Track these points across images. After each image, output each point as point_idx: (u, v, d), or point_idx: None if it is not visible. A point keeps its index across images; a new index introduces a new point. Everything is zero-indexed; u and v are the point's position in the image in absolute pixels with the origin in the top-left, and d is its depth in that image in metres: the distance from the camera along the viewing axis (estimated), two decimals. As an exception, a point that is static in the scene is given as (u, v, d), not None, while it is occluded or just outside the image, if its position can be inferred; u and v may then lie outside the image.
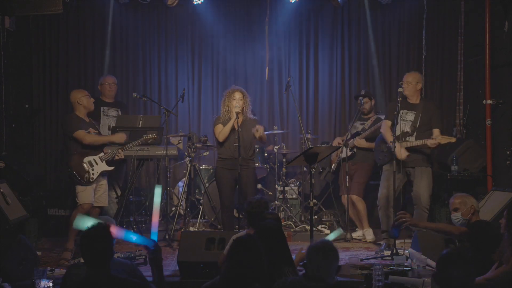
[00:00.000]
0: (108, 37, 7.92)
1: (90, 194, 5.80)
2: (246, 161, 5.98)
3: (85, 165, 5.77)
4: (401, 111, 5.98)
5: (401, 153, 5.79)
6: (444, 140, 5.78)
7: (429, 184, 5.97)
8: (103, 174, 5.91)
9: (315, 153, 5.29)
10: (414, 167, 5.96)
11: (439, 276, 2.99)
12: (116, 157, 5.96)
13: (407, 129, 5.98)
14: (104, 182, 6.00)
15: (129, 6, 7.85)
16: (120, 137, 6.02)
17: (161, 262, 3.34)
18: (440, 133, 5.95)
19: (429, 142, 5.80)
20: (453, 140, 5.89)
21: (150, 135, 6.13)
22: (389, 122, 6.14)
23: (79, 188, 5.77)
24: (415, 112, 5.99)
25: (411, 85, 6.03)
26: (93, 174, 5.80)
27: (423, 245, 4.97)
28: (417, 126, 5.95)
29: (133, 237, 3.42)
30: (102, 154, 5.89)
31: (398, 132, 5.95)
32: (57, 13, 6.34)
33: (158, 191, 3.53)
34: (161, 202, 6.39)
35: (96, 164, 5.84)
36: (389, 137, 6.02)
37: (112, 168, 5.95)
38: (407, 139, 5.93)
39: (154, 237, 3.54)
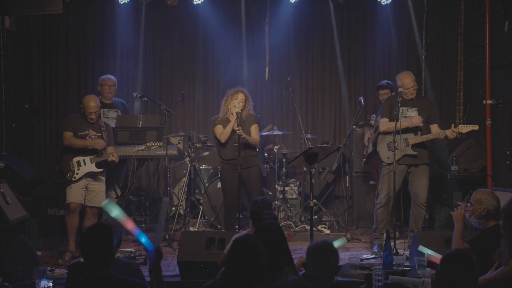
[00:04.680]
0: (108, 37, 7.92)
1: (76, 193, 5.78)
2: (248, 160, 5.92)
3: (72, 164, 5.76)
4: (400, 108, 5.92)
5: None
6: (466, 129, 5.73)
7: (428, 182, 5.97)
8: (91, 175, 5.84)
9: (315, 153, 5.29)
10: (417, 165, 5.92)
11: (442, 276, 2.99)
12: (109, 159, 5.87)
13: None
14: (97, 184, 5.90)
15: (129, 6, 7.84)
16: (99, 143, 5.82)
17: (160, 272, 3.31)
18: (439, 127, 5.94)
19: (448, 133, 5.74)
20: (476, 127, 5.85)
21: (154, 143, 6.09)
22: (386, 119, 6.02)
23: (67, 187, 5.80)
24: (416, 109, 5.94)
25: (415, 87, 5.94)
26: (77, 174, 5.76)
27: (423, 245, 4.95)
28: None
29: (143, 239, 3.41)
30: (95, 155, 5.84)
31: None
32: (57, 13, 6.34)
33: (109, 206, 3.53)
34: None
35: (85, 164, 5.80)
36: (405, 124, 5.88)
37: (100, 170, 5.87)
38: (418, 133, 5.88)
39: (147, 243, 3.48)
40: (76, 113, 6.13)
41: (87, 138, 5.83)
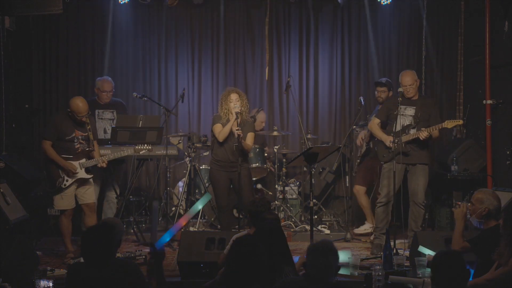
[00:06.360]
0: (108, 37, 7.91)
1: (68, 200, 5.72)
2: (241, 162, 5.86)
3: (61, 170, 5.67)
4: (399, 107, 5.93)
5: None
6: (451, 124, 5.72)
7: (426, 181, 5.97)
8: (79, 180, 5.78)
9: (315, 153, 5.30)
10: (415, 164, 5.93)
11: (433, 277, 2.99)
12: (99, 165, 5.82)
13: (408, 122, 5.91)
14: (86, 185, 5.82)
15: (129, 6, 7.84)
16: (71, 166, 5.66)
17: (161, 269, 3.33)
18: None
19: (421, 132, 5.73)
20: (460, 122, 5.88)
21: (142, 146, 6.01)
22: (377, 120, 6.12)
23: (56, 196, 5.71)
24: (414, 107, 5.93)
25: (413, 86, 5.96)
26: (66, 181, 5.67)
27: (423, 245, 4.96)
28: (418, 119, 5.88)
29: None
30: (83, 160, 5.76)
31: (398, 128, 5.91)
32: (57, 13, 6.34)
33: (206, 199, 3.48)
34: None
35: None
36: (379, 134, 6.02)
37: (90, 176, 5.80)
38: (410, 131, 5.89)
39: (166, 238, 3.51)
40: (58, 114, 6.02)
41: (74, 141, 5.72)
